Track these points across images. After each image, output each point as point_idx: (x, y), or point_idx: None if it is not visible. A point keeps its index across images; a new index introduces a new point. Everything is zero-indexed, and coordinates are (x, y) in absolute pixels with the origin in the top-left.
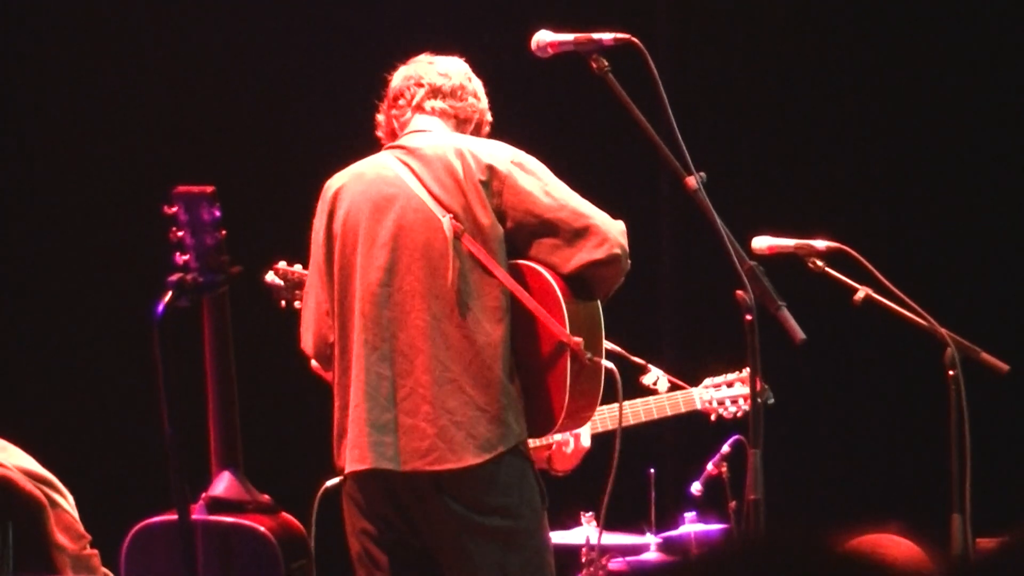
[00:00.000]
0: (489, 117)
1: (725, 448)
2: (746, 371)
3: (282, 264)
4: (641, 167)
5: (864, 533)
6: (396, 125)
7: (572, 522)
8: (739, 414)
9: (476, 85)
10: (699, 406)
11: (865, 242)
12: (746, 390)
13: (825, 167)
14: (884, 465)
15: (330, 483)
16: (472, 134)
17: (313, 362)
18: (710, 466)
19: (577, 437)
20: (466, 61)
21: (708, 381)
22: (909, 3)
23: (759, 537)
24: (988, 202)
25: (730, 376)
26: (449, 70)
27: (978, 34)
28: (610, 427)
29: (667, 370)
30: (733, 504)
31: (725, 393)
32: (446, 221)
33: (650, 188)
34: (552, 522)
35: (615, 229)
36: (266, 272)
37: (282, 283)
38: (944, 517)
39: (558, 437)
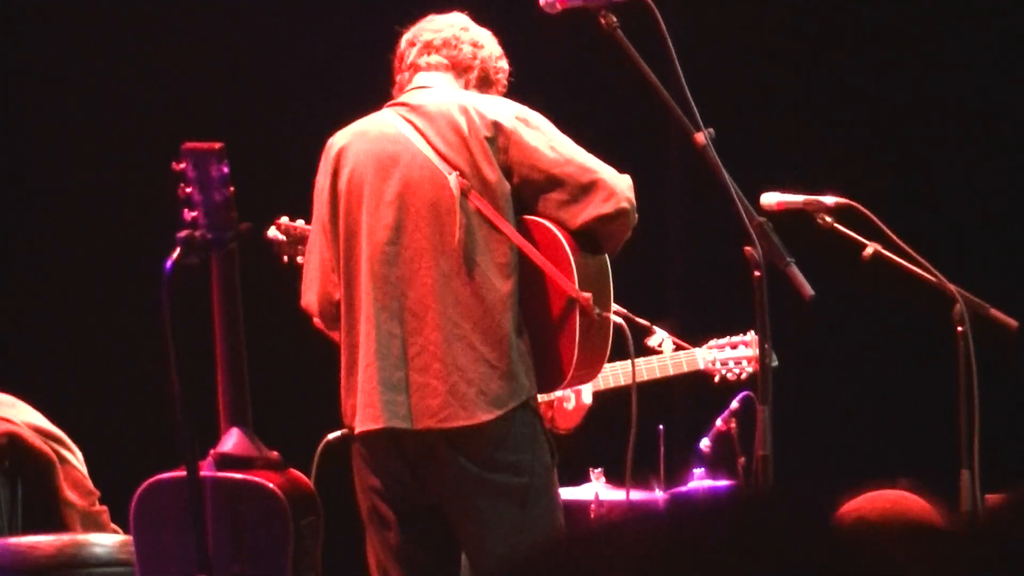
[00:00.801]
0: (503, 65)
1: (734, 404)
2: (750, 334)
3: (284, 219)
4: (650, 123)
5: (873, 489)
6: (401, 87)
7: (580, 478)
8: (743, 375)
9: (475, 34)
10: (702, 366)
11: (874, 197)
12: (749, 352)
13: (834, 122)
14: (893, 421)
15: (331, 436)
16: (483, 83)
17: (316, 319)
18: (719, 422)
19: (578, 393)
20: (472, 16)
21: (712, 342)
22: None
23: (764, 496)
24: (999, 157)
25: (734, 338)
26: (441, 24)
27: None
28: (612, 384)
29: (675, 327)
30: (742, 460)
31: (729, 354)
32: (452, 178)
33: (659, 144)
34: (560, 478)
35: (622, 183)
36: (268, 227)
37: (284, 238)
38: (953, 473)
39: (559, 393)
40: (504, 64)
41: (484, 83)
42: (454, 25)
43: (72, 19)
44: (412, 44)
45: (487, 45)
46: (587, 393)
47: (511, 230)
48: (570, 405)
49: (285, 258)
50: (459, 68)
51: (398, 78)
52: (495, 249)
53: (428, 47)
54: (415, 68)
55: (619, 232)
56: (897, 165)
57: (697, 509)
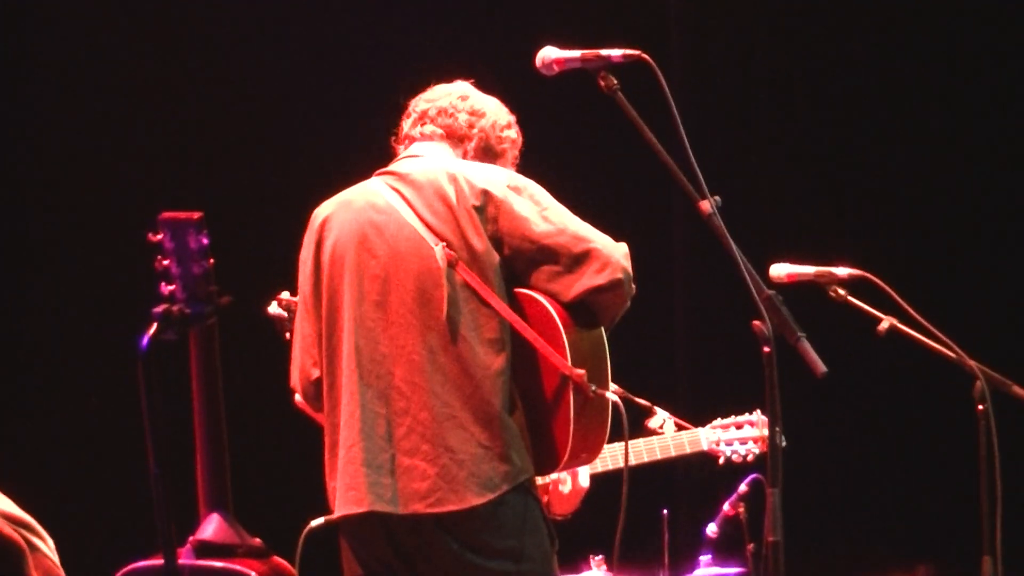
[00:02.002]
0: (510, 134)
1: (742, 487)
2: (757, 413)
3: (285, 295)
4: (653, 190)
5: None
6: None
7: (582, 566)
8: (749, 457)
9: (476, 102)
10: (705, 447)
11: (889, 269)
12: (756, 432)
13: (847, 190)
14: (911, 505)
15: (315, 523)
16: (485, 153)
17: (297, 397)
18: (726, 506)
19: (575, 476)
20: (470, 80)
21: (717, 422)
22: (936, 25)
23: None
24: (1020, 228)
25: (740, 418)
26: (438, 93)
27: (1016, 55)
28: (611, 467)
29: (681, 403)
30: (751, 546)
31: (734, 435)
32: (439, 249)
33: (662, 212)
34: (560, 565)
35: (617, 252)
36: (269, 304)
37: (286, 314)
38: (975, 560)
39: (553, 476)
40: (512, 134)
41: (487, 153)
42: (452, 94)
43: (47, 84)
44: (408, 115)
45: (488, 114)
46: (584, 476)
47: (501, 304)
48: (566, 488)
49: (287, 335)
50: (455, 137)
51: (397, 149)
52: (484, 324)
53: (423, 117)
54: (410, 139)
55: (614, 304)
56: (913, 235)
57: None
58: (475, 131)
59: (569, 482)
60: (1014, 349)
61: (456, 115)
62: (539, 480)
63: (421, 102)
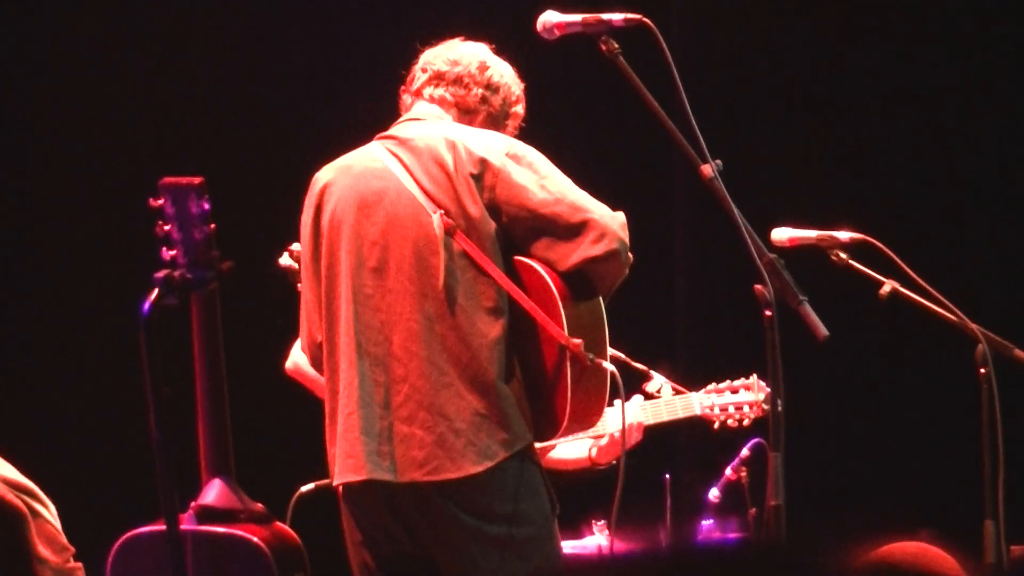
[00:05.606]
0: (517, 110)
1: (744, 452)
2: (753, 377)
3: (296, 246)
4: (654, 155)
5: (892, 541)
6: (402, 110)
7: (584, 530)
8: (744, 422)
9: (493, 74)
10: (699, 412)
11: (891, 233)
12: (751, 397)
13: (849, 154)
14: (912, 468)
15: (305, 488)
16: (488, 124)
17: (288, 364)
18: (728, 471)
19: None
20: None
21: (711, 387)
22: None
23: (779, 546)
24: (1022, 192)
25: (735, 382)
26: (462, 56)
27: (1012, 18)
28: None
29: (681, 369)
30: (753, 511)
31: (729, 399)
32: (436, 217)
33: (664, 177)
34: (562, 529)
35: (615, 223)
36: (280, 255)
37: (296, 265)
38: (977, 523)
39: (554, 441)
40: (519, 109)
41: (490, 125)
42: (472, 62)
43: (47, 53)
44: (424, 70)
45: (502, 89)
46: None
47: (498, 272)
48: (603, 441)
49: (299, 285)
50: (463, 108)
51: (403, 98)
52: (482, 292)
53: (439, 78)
54: (418, 96)
55: (611, 274)
56: (915, 198)
57: (705, 556)
58: (484, 106)
59: (607, 437)
60: (1016, 312)
61: (471, 88)
62: (581, 436)
63: (440, 61)
